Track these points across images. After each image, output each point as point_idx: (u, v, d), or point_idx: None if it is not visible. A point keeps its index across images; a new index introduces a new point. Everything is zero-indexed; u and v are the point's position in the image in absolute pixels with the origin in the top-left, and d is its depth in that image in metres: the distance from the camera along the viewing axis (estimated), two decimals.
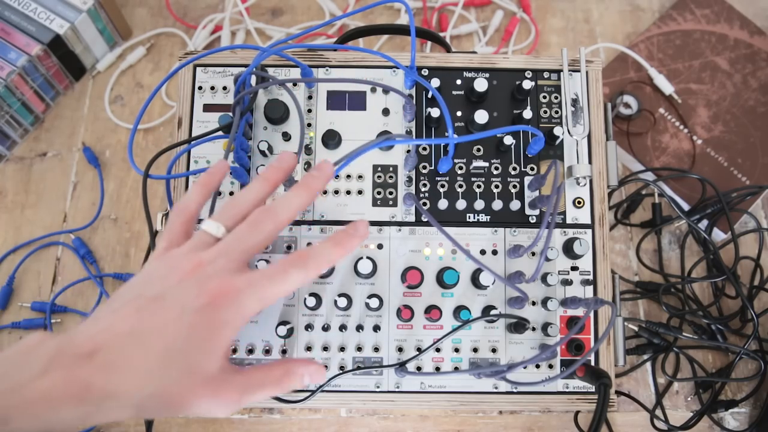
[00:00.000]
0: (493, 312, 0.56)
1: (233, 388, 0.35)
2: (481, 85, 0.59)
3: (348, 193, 0.59)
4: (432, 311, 0.56)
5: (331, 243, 0.38)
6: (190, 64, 0.61)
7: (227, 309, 0.34)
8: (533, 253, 0.58)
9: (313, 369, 0.39)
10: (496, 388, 0.57)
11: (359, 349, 0.57)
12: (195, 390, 0.33)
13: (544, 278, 0.57)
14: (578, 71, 0.61)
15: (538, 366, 0.57)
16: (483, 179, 0.59)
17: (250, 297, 0.35)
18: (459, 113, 0.61)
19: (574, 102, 0.60)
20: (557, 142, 0.59)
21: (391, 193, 0.59)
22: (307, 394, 0.55)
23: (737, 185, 0.75)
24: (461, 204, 0.58)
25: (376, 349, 0.57)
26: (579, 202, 0.59)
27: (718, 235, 0.74)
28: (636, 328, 0.69)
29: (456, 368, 0.57)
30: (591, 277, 0.58)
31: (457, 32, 0.85)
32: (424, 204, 0.59)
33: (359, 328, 0.57)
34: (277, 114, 0.58)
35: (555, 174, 0.52)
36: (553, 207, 0.50)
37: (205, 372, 0.34)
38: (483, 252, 0.58)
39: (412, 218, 0.59)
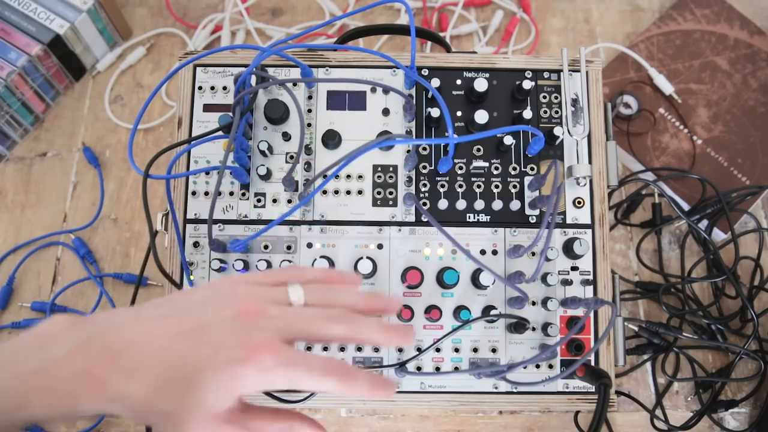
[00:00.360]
0: (493, 312, 0.56)
1: (233, 429, 0.35)
2: (481, 85, 0.59)
3: (348, 193, 0.59)
4: (432, 311, 0.56)
5: (376, 384, 0.36)
6: (190, 64, 0.61)
7: (255, 373, 0.34)
8: (533, 253, 0.58)
9: None
10: (496, 388, 0.57)
11: (359, 348, 0.57)
12: (199, 422, 0.34)
13: (544, 278, 0.57)
14: (578, 71, 0.61)
15: (538, 366, 0.57)
16: (483, 179, 0.59)
17: (281, 374, 0.34)
18: (459, 113, 0.61)
19: (574, 102, 0.60)
20: (557, 142, 0.59)
21: (391, 193, 0.59)
22: (307, 394, 0.55)
23: (737, 185, 0.75)
24: (461, 204, 0.58)
25: (376, 349, 0.57)
26: (579, 202, 0.59)
27: (718, 235, 0.74)
28: (636, 328, 0.69)
29: (456, 368, 0.57)
30: (591, 277, 0.58)
31: (457, 32, 0.85)
32: (424, 204, 0.59)
33: None
34: (277, 114, 0.58)
35: (555, 174, 0.52)
36: (553, 207, 0.50)
37: (214, 410, 0.34)
38: (483, 252, 0.58)
39: (412, 218, 0.59)
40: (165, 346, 0.34)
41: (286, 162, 0.59)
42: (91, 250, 0.73)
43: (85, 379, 0.32)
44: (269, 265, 0.57)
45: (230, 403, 0.34)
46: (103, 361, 0.33)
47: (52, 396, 0.32)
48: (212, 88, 0.61)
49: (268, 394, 0.55)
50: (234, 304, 0.35)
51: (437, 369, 0.57)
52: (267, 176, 0.58)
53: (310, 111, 0.61)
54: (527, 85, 0.59)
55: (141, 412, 0.34)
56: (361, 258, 0.56)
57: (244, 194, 0.59)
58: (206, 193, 0.59)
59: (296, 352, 0.35)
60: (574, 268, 0.58)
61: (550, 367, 0.57)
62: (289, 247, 0.58)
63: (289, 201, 0.59)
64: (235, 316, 0.35)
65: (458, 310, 0.56)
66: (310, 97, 0.61)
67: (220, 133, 0.56)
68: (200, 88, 0.61)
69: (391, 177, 0.59)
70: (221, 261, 0.57)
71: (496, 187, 0.59)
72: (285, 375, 0.34)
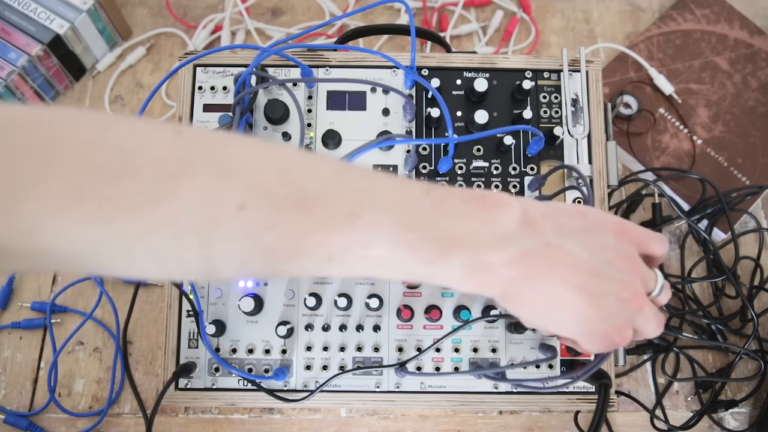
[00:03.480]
0: (493, 312, 0.56)
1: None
2: (481, 85, 0.59)
3: None
4: (432, 311, 0.56)
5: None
6: (190, 64, 0.61)
7: (605, 350, 0.40)
8: None
9: None
10: (496, 388, 0.57)
11: (359, 349, 0.57)
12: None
13: None
14: (578, 71, 0.61)
15: (538, 366, 0.57)
16: (483, 179, 0.59)
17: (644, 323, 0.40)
18: (459, 113, 0.61)
19: (574, 102, 0.60)
20: (557, 142, 0.59)
21: None
22: (307, 393, 0.55)
23: (737, 185, 0.75)
24: None
25: (376, 349, 0.57)
26: (579, 203, 0.59)
27: (718, 235, 0.74)
28: None
29: (456, 368, 0.57)
30: None
31: (457, 32, 0.85)
32: None
33: (359, 328, 0.57)
34: (277, 114, 0.58)
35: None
36: None
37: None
38: None
39: None
40: (567, 294, 0.36)
41: None
42: None
43: (511, 282, 0.35)
44: None
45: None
46: (530, 281, 0.36)
47: (473, 282, 0.35)
48: (212, 88, 0.61)
49: (270, 392, 0.55)
50: (630, 288, 0.38)
51: (437, 369, 0.57)
52: None
53: (310, 111, 0.61)
54: (527, 85, 0.59)
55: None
56: None
57: None
58: None
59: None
60: None
61: (550, 367, 0.57)
62: None
63: None
64: (626, 300, 0.38)
65: (458, 310, 0.56)
66: (310, 97, 0.61)
67: None
68: (200, 88, 0.61)
69: None
70: None
71: (496, 186, 0.59)
72: (645, 323, 0.40)
